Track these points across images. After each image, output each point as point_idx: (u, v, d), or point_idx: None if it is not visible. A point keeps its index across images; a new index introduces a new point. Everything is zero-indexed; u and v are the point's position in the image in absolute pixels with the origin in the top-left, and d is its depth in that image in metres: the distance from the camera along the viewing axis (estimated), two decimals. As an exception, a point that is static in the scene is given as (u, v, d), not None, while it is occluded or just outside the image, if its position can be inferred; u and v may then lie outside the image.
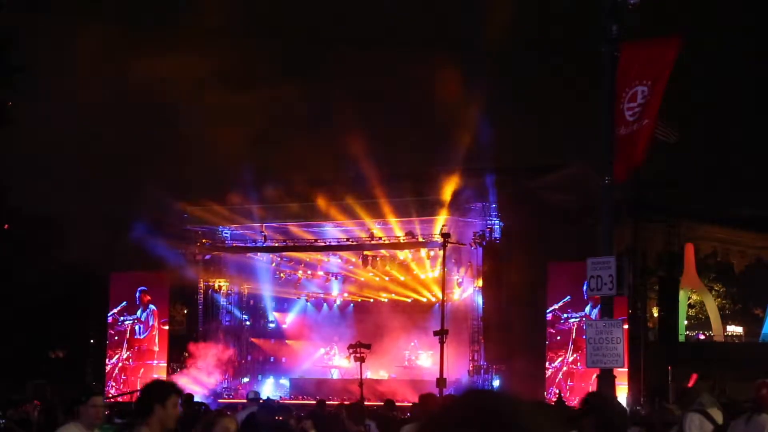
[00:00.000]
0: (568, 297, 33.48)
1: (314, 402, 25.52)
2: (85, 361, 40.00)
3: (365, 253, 38.30)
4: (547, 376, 33.66)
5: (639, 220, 38.90)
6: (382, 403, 23.83)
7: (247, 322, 40.72)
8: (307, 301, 41.17)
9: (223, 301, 40.31)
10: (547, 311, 34.01)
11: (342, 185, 37.77)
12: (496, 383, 35.27)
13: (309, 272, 40.26)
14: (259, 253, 39.86)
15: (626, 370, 28.54)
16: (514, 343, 34.67)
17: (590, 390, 26.34)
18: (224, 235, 39.94)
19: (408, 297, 39.29)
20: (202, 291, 39.64)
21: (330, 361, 40.12)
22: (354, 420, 13.09)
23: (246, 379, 39.76)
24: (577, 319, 32.78)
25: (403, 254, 38.26)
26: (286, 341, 41.57)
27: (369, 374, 35.54)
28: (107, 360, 38.78)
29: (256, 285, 40.58)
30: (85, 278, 39.97)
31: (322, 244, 38.74)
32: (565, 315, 33.69)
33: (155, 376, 36.31)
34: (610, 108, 15.65)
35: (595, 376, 16.92)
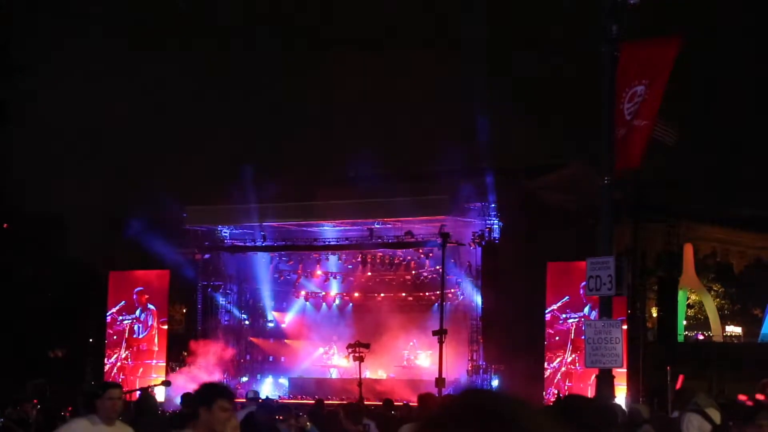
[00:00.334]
0: (567, 297, 33.46)
1: (313, 401, 25.52)
2: (85, 361, 39.97)
3: (364, 252, 38.31)
4: (545, 376, 33.64)
5: (638, 221, 38.91)
6: (381, 403, 23.84)
7: (246, 322, 40.70)
8: (306, 300, 41.16)
9: (222, 300, 40.30)
10: (546, 311, 33.99)
11: (341, 185, 37.80)
12: (495, 383, 35.27)
13: (308, 272, 40.27)
14: (258, 253, 39.87)
15: (625, 370, 28.53)
16: (512, 344, 34.65)
17: (589, 390, 26.38)
18: (223, 234, 39.94)
19: (407, 297, 39.29)
20: (201, 290, 39.64)
21: (329, 360, 40.13)
22: (352, 420, 13.08)
23: (245, 379, 39.73)
24: (576, 320, 32.76)
25: (402, 254, 38.26)
26: (285, 341, 41.56)
27: (368, 374, 35.54)
28: (106, 359, 38.76)
29: (255, 284, 40.57)
30: (84, 278, 39.97)
31: (321, 243, 38.74)
32: (564, 315, 33.66)
33: (154, 375, 36.34)
34: (610, 108, 15.65)
35: (594, 376, 16.92)
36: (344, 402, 25.80)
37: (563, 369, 33.45)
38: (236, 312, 40.62)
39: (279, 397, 35.90)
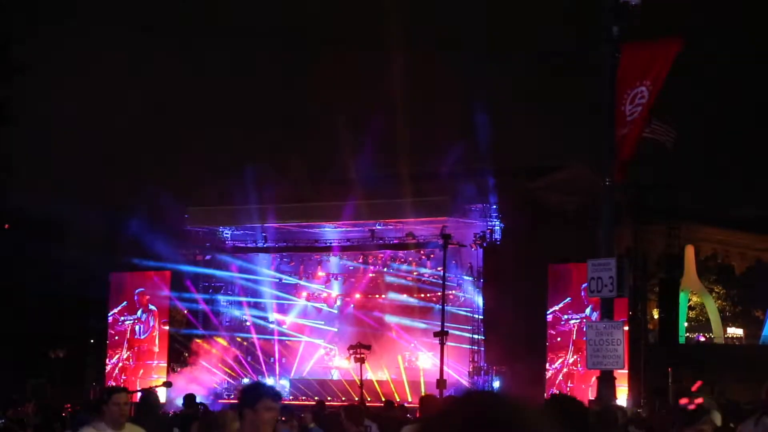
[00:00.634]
0: (569, 298, 33.45)
1: (314, 402, 25.50)
2: (86, 361, 39.99)
3: (365, 253, 38.32)
4: (547, 377, 33.63)
5: (639, 222, 38.92)
6: (382, 404, 23.82)
7: (247, 323, 40.70)
8: (307, 301, 41.16)
9: (223, 301, 40.32)
10: (548, 313, 33.98)
11: (343, 186, 37.79)
12: (496, 385, 35.26)
13: (309, 273, 40.27)
14: (259, 254, 39.88)
15: (626, 371, 28.51)
16: (514, 345, 34.64)
17: (590, 392, 26.35)
18: (224, 235, 39.96)
19: (408, 298, 39.28)
20: (202, 291, 39.66)
21: (330, 361, 40.12)
22: (354, 421, 13.07)
23: (246, 380, 39.71)
24: (578, 321, 32.74)
25: (404, 255, 38.26)
26: (287, 342, 41.55)
27: (369, 375, 35.53)
28: (107, 360, 38.77)
29: (256, 285, 40.58)
30: (85, 278, 39.97)
31: (323, 244, 38.73)
32: (566, 316, 33.65)
33: (155, 376, 36.33)
34: (610, 109, 15.64)
35: (595, 377, 16.91)
36: (345, 403, 25.79)
37: (565, 370, 33.43)
38: (237, 313, 40.63)
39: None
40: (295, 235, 39.28)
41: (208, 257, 39.75)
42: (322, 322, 40.69)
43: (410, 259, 38.47)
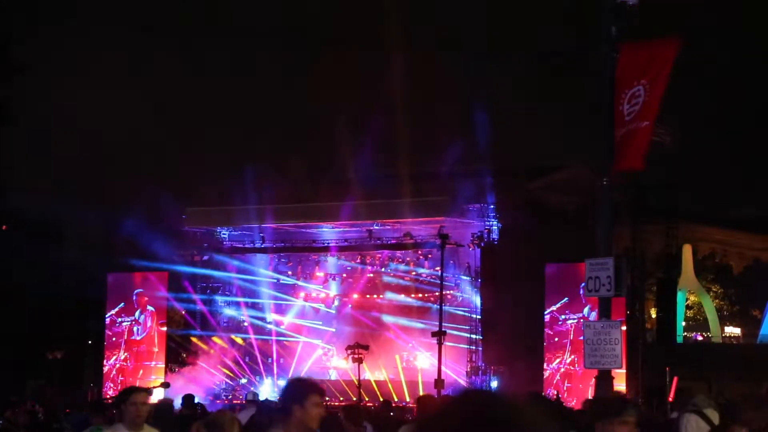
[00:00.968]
0: (566, 298, 33.47)
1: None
2: (84, 362, 39.97)
3: (363, 254, 38.31)
4: (545, 377, 33.64)
5: (637, 222, 38.91)
6: (379, 404, 23.80)
7: (245, 323, 40.69)
8: (305, 302, 41.14)
9: (221, 302, 40.30)
10: (545, 312, 34.00)
11: (341, 186, 37.78)
12: (494, 384, 35.26)
13: (307, 273, 40.26)
14: (257, 254, 39.86)
15: (624, 371, 28.54)
16: (511, 345, 34.65)
17: (590, 391, 26.34)
18: (222, 236, 39.94)
19: (406, 298, 39.27)
20: (200, 292, 39.64)
21: (328, 362, 40.10)
22: (353, 421, 13.05)
23: (244, 380, 39.72)
24: (575, 321, 32.76)
25: (402, 255, 38.25)
26: (284, 342, 41.53)
27: (367, 375, 35.52)
28: (105, 361, 38.76)
29: (254, 286, 40.56)
30: (83, 279, 39.96)
31: (320, 245, 38.71)
32: (563, 316, 33.67)
33: (153, 377, 36.32)
34: (609, 109, 15.64)
35: (593, 377, 16.90)
36: (343, 403, 25.80)
37: (562, 370, 33.45)
38: (235, 313, 40.62)
39: (278, 398, 35.85)
40: (293, 236, 39.27)
41: (205, 258, 39.74)
42: (320, 323, 40.67)
43: (408, 259, 38.46)
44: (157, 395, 17.07)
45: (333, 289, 40.56)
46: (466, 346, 36.22)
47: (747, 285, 62.20)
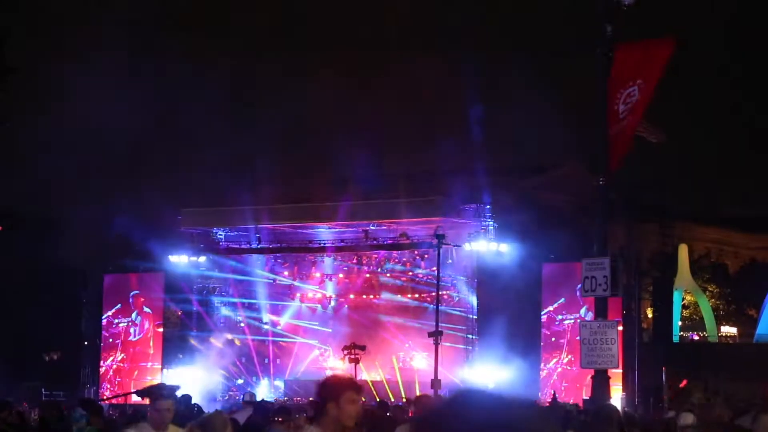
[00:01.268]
0: (563, 299, 33.49)
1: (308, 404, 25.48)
2: (80, 363, 39.91)
3: (359, 254, 38.31)
4: (541, 377, 33.67)
5: (633, 221, 38.98)
6: (376, 404, 23.77)
7: (242, 324, 40.69)
8: (301, 302, 41.15)
9: (217, 303, 40.29)
10: (542, 312, 34.02)
11: (337, 186, 37.81)
12: (491, 385, 35.25)
13: (303, 273, 40.26)
14: (253, 255, 39.85)
15: (620, 371, 28.54)
16: (508, 345, 34.65)
17: (584, 391, 26.38)
18: (219, 236, 39.92)
19: (402, 298, 39.29)
20: (196, 293, 39.63)
21: (324, 362, 40.10)
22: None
23: (240, 381, 39.72)
24: (572, 321, 32.77)
25: (398, 255, 38.26)
26: (281, 342, 41.55)
27: (363, 375, 35.53)
28: (102, 362, 38.74)
29: (251, 287, 40.56)
30: (79, 280, 39.92)
31: (317, 245, 38.72)
32: (560, 316, 33.70)
33: (150, 378, 36.30)
34: (604, 108, 15.68)
35: (589, 377, 16.94)
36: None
37: (559, 370, 33.48)
38: (232, 314, 40.61)
39: (275, 399, 35.86)
40: (289, 236, 39.26)
41: (202, 258, 39.72)
42: (317, 323, 40.69)
43: (404, 259, 38.46)
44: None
45: (329, 289, 40.57)
46: (462, 347, 36.23)
47: (743, 284, 62.20)
